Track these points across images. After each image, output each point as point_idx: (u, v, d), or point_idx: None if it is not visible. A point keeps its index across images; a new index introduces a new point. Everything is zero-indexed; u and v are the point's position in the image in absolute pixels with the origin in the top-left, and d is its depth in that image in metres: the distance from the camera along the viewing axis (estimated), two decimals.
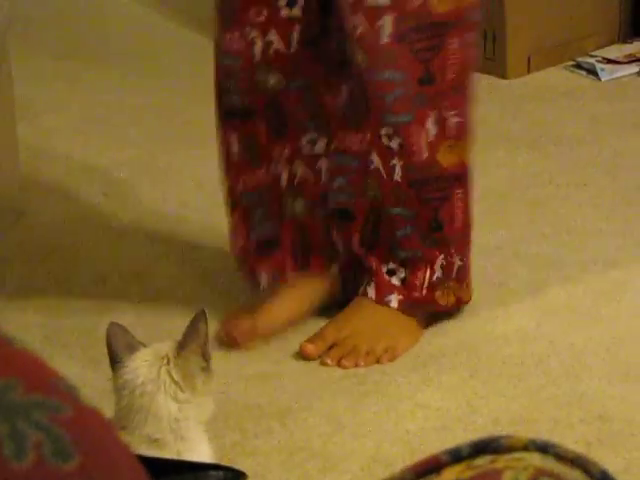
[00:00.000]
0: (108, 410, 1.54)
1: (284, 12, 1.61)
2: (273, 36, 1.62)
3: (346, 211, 1.72)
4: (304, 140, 1.68)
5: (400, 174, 1.65)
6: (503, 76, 2.59)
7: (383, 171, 1.66)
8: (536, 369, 1.61)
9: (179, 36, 3.03)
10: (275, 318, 1.70)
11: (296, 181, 1.70)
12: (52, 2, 3.31)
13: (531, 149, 2.27)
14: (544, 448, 0.54)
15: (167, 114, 2.53)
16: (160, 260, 1.95)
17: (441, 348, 1.67)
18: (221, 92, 1.71)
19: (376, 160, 1.66)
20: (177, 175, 2.25)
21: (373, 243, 1.71)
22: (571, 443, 1.42)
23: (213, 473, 1.05)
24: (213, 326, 1.76)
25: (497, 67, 2.59)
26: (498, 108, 2.44)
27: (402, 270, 1.68)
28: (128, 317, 1.78)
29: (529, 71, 2.61)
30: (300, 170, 1.69)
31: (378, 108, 1.62)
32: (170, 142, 2.40)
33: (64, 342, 1.72)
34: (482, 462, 0.54)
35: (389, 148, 1.65)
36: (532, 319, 1.74)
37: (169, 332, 1.74)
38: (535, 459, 0.53)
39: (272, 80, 1.64)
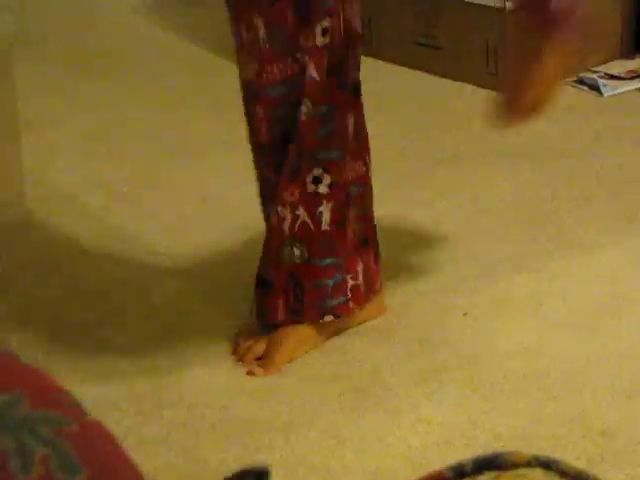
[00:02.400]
0: (110, 422, 1.54)
1: (319, 40, 1.60)
2: (311, 64, 1.60)
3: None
4: (309, 178, 1.66)
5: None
6: None
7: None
8: (538, 384, 1.61)
9: (181, 50, 3.04)
10: (294, 351, 1.70)
11: (297, 226, 1.68)
12: (54, 17, 3.32)
13: (533, 164, 2.28)
14: (547, 464, 0.54)
15: (169, 127, 2.54)
16: (163, 274, 1.95)
17: (443, 363, 1.67)
18: (273, 122, 1.65)
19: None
20: (179, 188, 2.26)
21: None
22: (573, 459, 1.42)
23: None
24: (217, 339, 1.76)
25: (500, 82, 2.59)
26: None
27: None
28: (130, 330, 1.79)
29: None
30: (302, 214, 1.67)
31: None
32: (172, 155, 2.40)
33: (67, 356, 1.72)
34: (486, 478, 0.54)
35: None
36: (534, 334, 1.74)
37: (171, 346, 1.74)
38: (538, 475, 0.53)
39: (305, 107, 1.61)
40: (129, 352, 1.74)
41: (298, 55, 1.59)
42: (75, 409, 0.50)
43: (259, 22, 1.59)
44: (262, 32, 1.60)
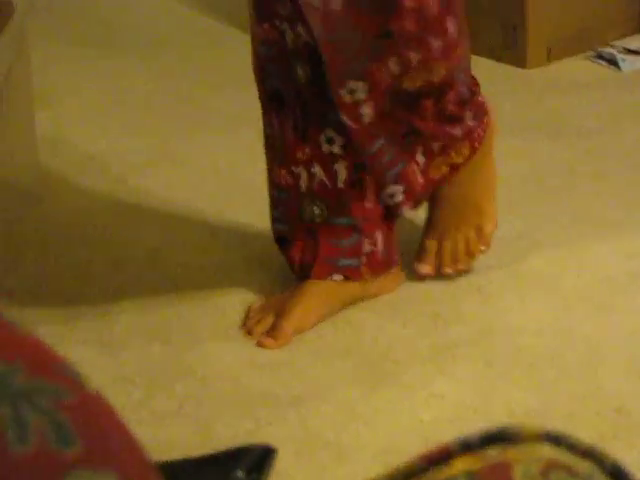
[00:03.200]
0: (122, 395, 1.54)
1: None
2: (300, 28, 1.62)
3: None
4: (322, 138, 1.69)
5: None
6: (523, 66, 2.58)
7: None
8: (552, 361, 1.60)
9: (197, 22, 3.03)
10: (302, 320, 1.70)
11: (315, 184, 1.71)
12: None
13: (550, 139, 2.26)
14: (556, 439, 0.53)
15: (184, 101, 2.53)
16: (176, 246, 1.95)
17: (456, 338, 1.66)
18: (263, 76, 1.71)
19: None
20: (194, 162, 2.25)
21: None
22: (586, 436, 1.41)
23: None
24: (229, 312, 1.76)
25: (517, 57, 2.57)
26: (517, 98, 2.43)
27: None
28: (143, 302, 1.79)
29: (549, 61, 2.60)
30: (318, 172, 1.70)
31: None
32: (187, 129, 2.40)
33: (79, 327, 1.72)
34: (493, 453, 0.54)
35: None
36: (548, 310, 1.73)
37: (183, 319, 1.74)
38: (546, 450, 0.53)
39: (300, 71, 1.65)
40: (141, 325, 1.73)
41: (277, 22, 1.63)
42: (75, 381, 0.49)
43: None
44: None
